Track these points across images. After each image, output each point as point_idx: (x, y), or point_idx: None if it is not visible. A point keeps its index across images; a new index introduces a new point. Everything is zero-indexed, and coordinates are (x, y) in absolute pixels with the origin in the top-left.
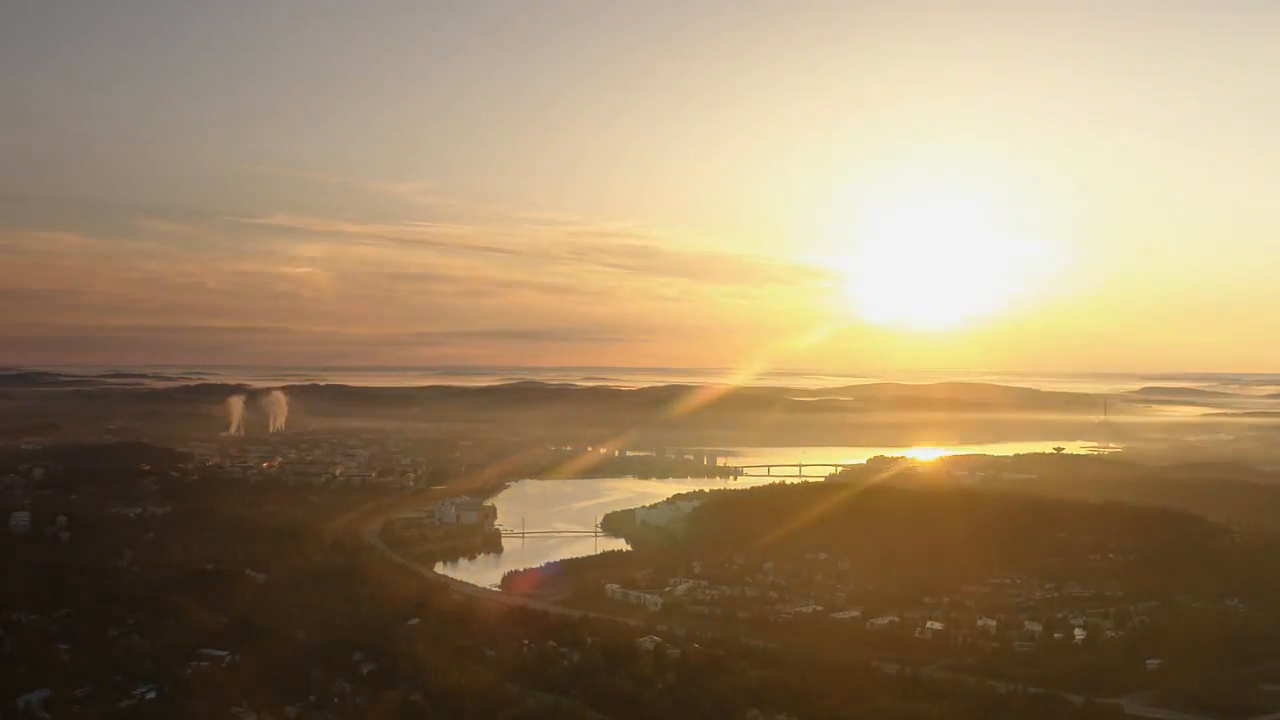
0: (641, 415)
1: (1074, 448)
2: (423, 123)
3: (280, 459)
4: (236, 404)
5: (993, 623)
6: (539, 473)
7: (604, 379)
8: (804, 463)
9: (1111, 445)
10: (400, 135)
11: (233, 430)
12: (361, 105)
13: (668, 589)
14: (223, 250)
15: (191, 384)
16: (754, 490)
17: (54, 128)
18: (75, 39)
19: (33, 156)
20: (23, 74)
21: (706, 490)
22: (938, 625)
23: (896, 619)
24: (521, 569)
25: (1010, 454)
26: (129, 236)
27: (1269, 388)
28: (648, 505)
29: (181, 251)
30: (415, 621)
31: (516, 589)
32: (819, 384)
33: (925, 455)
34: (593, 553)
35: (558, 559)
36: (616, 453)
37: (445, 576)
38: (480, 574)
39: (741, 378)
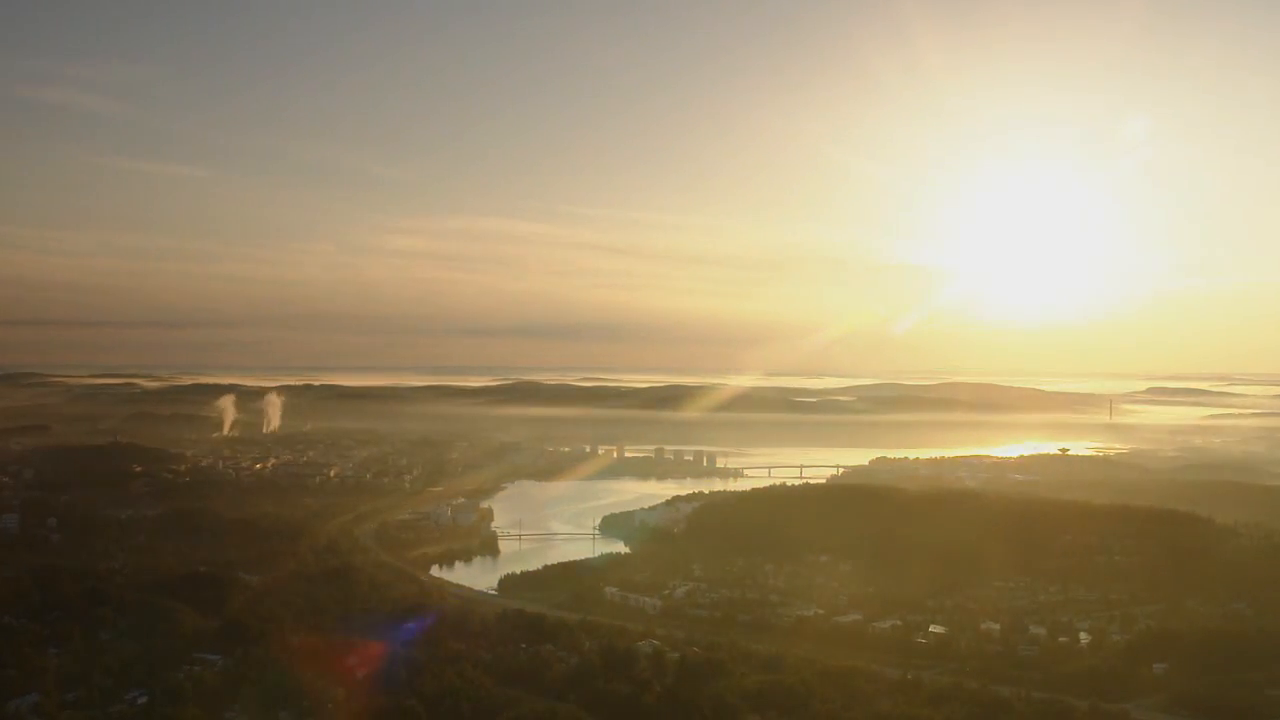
0: (641, 415)
1: (1079, 449)
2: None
3: (274, 460)
4: (229, 404)
5: (996, 626)
6: (536, 474)
7: (603, 379)
8: (805, 464)
9: (1117, 446)
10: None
11: (225, 431)
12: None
13: (667, 592)
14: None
15: (183, 384)
16: (754, 492)
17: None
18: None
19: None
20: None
21: (706, 492)
22: (940, 629)
23: (899, 622)
24: (518, 571)
25: (1014, 455)
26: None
27: (1277, 388)
28: (647, 507)
29: None
30: (411, 625)
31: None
32: (822, 384)
33: (928, 456)
34: (591, 555)
35: (556, 561)
36: (615, 453)
37: (442, 579)
38: (477, 577)
39: (745, 379)
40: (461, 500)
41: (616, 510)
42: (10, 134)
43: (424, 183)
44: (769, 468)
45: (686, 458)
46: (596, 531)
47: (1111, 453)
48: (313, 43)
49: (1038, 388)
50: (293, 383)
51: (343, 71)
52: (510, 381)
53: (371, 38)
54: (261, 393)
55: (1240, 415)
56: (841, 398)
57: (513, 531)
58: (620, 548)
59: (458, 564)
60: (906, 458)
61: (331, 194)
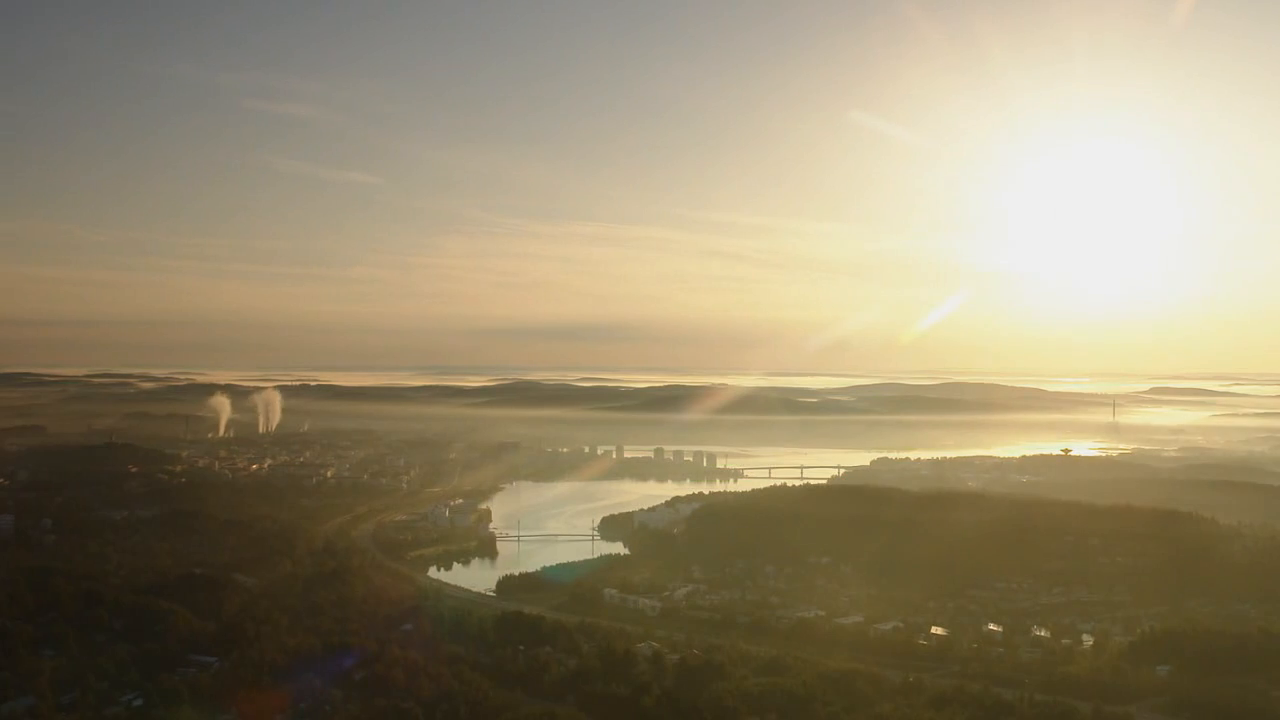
0: (641, 416)
1: (1082, 449)
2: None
3: (270, 461)
4: (224, 405)
5: (999, 628)
6: (535, 475)
7: (602, 379)
8: (806, 464)
9: (1120, 446)
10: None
11: (221, 431)
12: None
13: (666, 593)
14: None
15: (179, 384)
16: (755, 493)
17: None
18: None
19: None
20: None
21: (706, 493)
22: (942, 631)
23: (900, 624)
24: (517, 573)
25: (1016, 455)
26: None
27: None
28: (646, 508)
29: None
30: (408, 627)
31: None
32: (822, 384)
33: (929, 457)
34: (590, 556)
35: (555, 563)
36: (614, 454)
37: (439, 581)
38: (475, 578)
39: (746, 379)
40: (459, 501)
41: (616, 511)
42: (226, 143)
43: (560, 188)
44: (769, 468)
45: (686, 458)
46: (596, 533)
47: (1114, 453)
48: (494, 61)
49: (1040, 388)
50: (289, 382)
51: (518, 89)
52: (509, 381)
53: (529, 60)
54: (258, 392)
55: (1244, 415)
56: (842, 398)
57: (511, 533)
58: (620, 549)
59: (456, 565)
60: (908, 458)
61: (479, 200)
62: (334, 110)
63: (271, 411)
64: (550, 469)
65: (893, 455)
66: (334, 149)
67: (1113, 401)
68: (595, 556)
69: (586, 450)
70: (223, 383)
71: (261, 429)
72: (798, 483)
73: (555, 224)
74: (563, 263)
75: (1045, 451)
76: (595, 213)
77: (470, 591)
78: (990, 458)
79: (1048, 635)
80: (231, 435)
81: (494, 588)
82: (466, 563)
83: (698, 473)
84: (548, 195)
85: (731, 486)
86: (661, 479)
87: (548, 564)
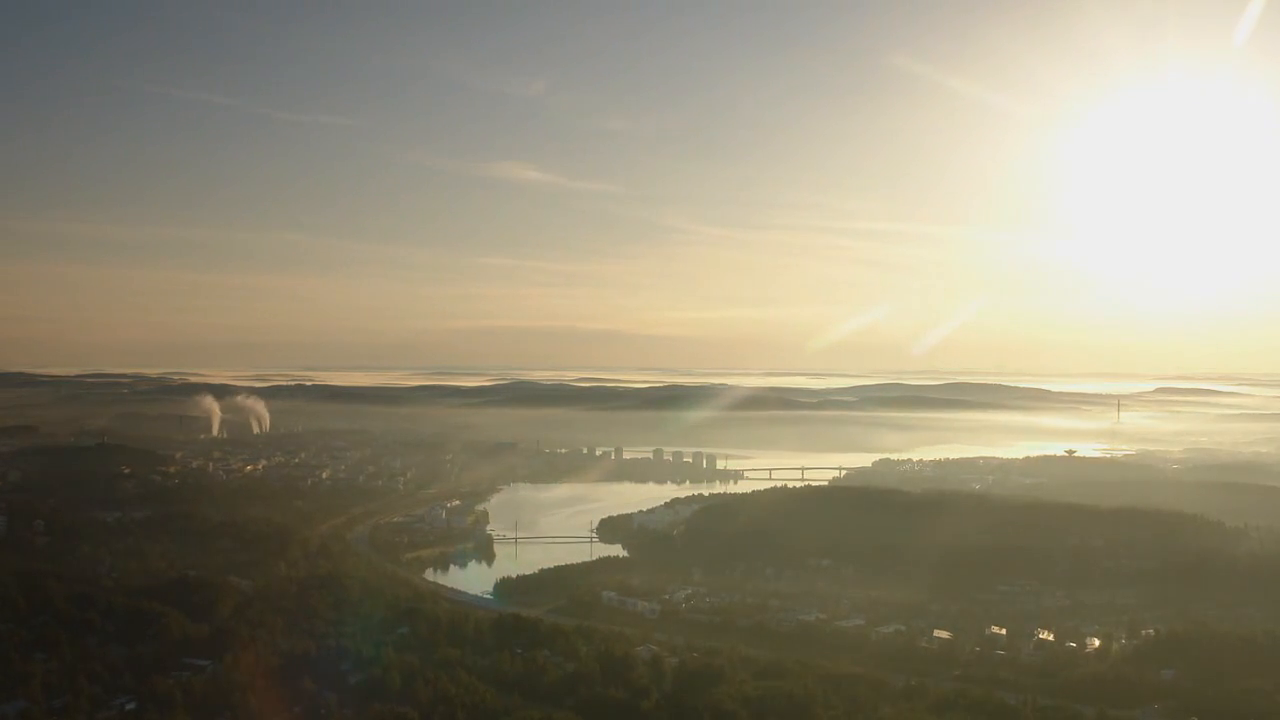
0: (640, 416)
1: (1086, 450)
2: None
3: (265, 462)
4: (217, 405)
5: (1002, 631)
6: (533, 476)
7: (601, 379)
8: (807, 465)
9: (1124, 447)
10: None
11: (215, 432)
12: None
13: (666, 596)
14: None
15: (173, 384)
16: (755, 494)
17: None
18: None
19: None
20: None
21: (706, 494)
22: (944, 634)
23: (902, 627)
24: (514, 576)
25: (1020, 456)
26: None
27: None
28: (645, 510)
29: None
30: (404, 630)
31: None
32: (824, 385)
33: (932, 458)
34: (589, 559)
35: (553, 565)
36: (613, 455)
37: (436, 583)
38: (472, 580)
39: (748, 379)
40: (457, 503)
41: (615, 513)
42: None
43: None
44: (770, 470)
45: (686, 460)
46: (594, 535)
47: (1119, 454)
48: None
49: (1044, 388)
50: (285, 383)
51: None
52: (507, 381)
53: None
54: (253, 393)
55: (1250, 417)
56: (845, 398)
57: (509, 534)
58: (619, 551)
59: (452, 567)
60: (910, 460)
61: (675, 207)
62: (627, 124)
63: (264, 412)
64: (548, 470)
65: (895, 456)
66: (589, 159)
67: (1117, 402)
68: (594, 559)
69: (585, 451)
70: (217, 383)
71: (256, 430)
72: (799, 484)
73: (732, 229)
74: (737, 268)
75: (1049, 453)
76: (780, 219)
77: (467, 594)
78: (993, 459)
79: (1051, 638)
80: (226, 436)
81: (491, 590)
82: (463, 565)
83: (697, 474)
84: (732, 201)
85: (731, 488)
86: (661, 480)
87: (546, 566)
